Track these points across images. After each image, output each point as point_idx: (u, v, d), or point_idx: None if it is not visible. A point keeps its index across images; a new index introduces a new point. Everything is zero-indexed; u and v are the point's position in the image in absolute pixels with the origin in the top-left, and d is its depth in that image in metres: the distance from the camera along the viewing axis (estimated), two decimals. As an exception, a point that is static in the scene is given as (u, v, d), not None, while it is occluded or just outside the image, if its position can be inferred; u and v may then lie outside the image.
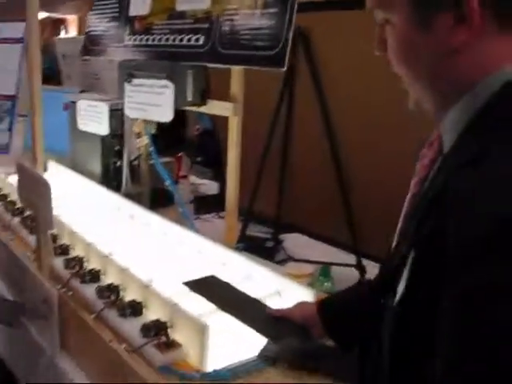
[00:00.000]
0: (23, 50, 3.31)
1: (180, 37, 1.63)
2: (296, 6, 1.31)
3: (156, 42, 1.73)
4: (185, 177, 2.30)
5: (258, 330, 1.12)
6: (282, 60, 1.32)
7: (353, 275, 1.92)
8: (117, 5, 1.94)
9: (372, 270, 1.90)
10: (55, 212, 1.74)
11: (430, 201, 0.71)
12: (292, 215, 2.21)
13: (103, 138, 2.16)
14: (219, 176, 2.65)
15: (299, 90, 1.86)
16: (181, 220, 2.05)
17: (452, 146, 0.73)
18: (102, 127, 2.05)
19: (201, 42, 1.56)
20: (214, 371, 1.05)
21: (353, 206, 1.89)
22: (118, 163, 2.14)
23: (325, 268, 1.54)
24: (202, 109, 1.74)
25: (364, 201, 1.90)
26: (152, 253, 1.53)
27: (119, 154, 2.16)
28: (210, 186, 2.85)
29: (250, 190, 2.19)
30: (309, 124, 1.89)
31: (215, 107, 1.70)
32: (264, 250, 1.98)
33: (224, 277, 1.36)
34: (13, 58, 3.33)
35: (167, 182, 1.79)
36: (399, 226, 0.91)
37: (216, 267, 1.43)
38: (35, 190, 1.34)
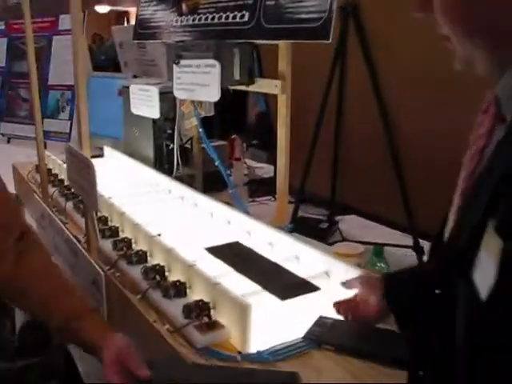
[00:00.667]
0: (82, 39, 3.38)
1: (225, 15, 1.60)
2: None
3: (202, 22, 1.70)
4: (239, 159, 2.27)
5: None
6: (327, 32, 1.27)
7: (410, 257, 1.85)
8: (164, -14, 1.93)
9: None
10: (108, 195, 1.78)
11: (504, 178, 0.62)
12: (348, 196, 2.15)
13: (155, 122, 2.17)
14: (275, 159, 2.62)
15: (351, 64, 1.79)
16: (234, 203, 2.05)
17: None
18: (153, 110, 2.05)
19: (246, 18, 1.53)
20: (257, 352, 1.02)
21: (409, 186, 1.81)
22: (171, 146, 2.13)
23: (378, 248, 1.48)
24: (250, 88, 1.70)
25: (420, 180, 1.81)
26: (199, 234, 1.51)
27: (171, 137, 2.16)
28: (266, 169, 2.82)
29: (315, 172, 2.14)
30: (361, 99, 1.82)
31: (263, 86, 1.66)
32: (318, 231, 1.93)
33: (271, 256, 1.33)
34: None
35: (217, 164, 1.77)
36: (456, 203, 0.80)
37: (263, 247, 1.40)
38: (81, 173, 1.35)
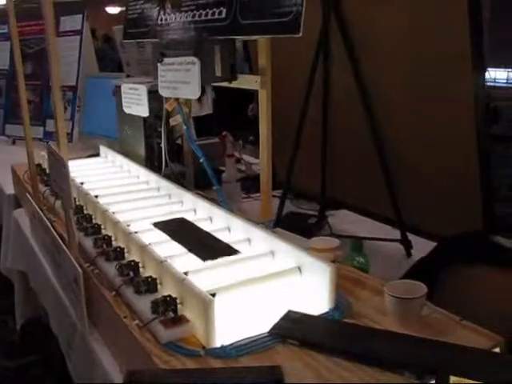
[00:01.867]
0: (81, 41, 3.42)
1: (204, 12, 1.61)
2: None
3: (184, 20, 1.71)
4: (231, 156, 2.27)
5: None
6: (297, 26, 1.27)
7: (398, 250, 1.85)
8: (149, -15, 1.94)
9: (418, 245, 1.81)
10: (96, 193, 1.80)
11: None
12: (338, 191, 2.15)
13: (146, 120, 2.19)
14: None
15: (334, 56, 1.79)
16: (227, 199, 2.05)
17: None
18: (142, 109, 2.06)
19: (223, 15, 1.53)
20: (221, 347, 1.02)
21: (396, 181, 1.81)
22: (161, 144, 2.14)
23: (356, 243, 1.47)
24: (233, 84, 1.70)
25: (407, 175, 1.81)
26: (179, 229, 1.52)
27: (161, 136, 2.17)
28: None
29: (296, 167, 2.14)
30: (346, 94, 1.81)
31: (244, 82, 1.66)
32: (305, 227, 1.93)
33: (245, 253, 1.33)
34: (73, 49, 3.45)
35: (201, 160, 1.77)
36: None
37: (240, 244, 1.40)
38: (59, 171, 1.36)
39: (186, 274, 1.16)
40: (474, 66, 1.40)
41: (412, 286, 1.12)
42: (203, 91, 4.09)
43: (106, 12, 15.23)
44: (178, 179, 2.04)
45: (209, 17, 1.59)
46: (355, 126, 1.83)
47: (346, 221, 2.13)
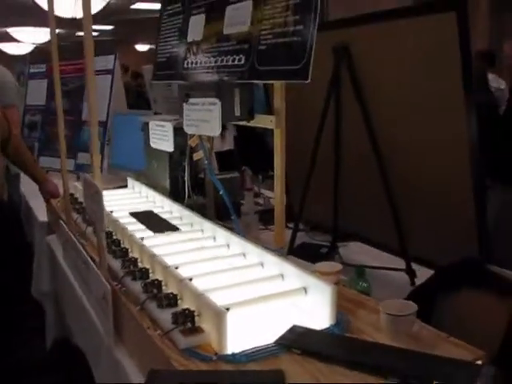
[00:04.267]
0: (112, 80, 3.66)
1: (226, 58, 1.79)
2: (317, 24, 1.41)
3: (207, 64, 1.89)
4: (250, 189, 2.43)
5: None
6: (306, 73, 1.43)
7: (403, 279, 1.96)
8: (177, 33, 2.14)
9: (422, 273, 1.93)
10: (123, 221, 1.97)
11: None
12: (351, 224, 2.28)
13: (171, 155, 2.36)
14: (288, 190, 2.77)
15: (344, 97, 1.94)
16: (245, 230, 2.20)
17: None
18: (168, 144, 2.24)
19: (242, 61, 1.70)
20: (232, 354, 1.16)
21: (402, 214, 1.94)
22: (185, 177, 2.32)
23: (360, 269, 1.61)
24: (250, 123, 1.87)
25: (412, 206, 1.94)
26: (198, 253, 1.67)
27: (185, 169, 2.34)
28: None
29: (310, 201, 2.29)
30: (355, 132, 1.96)
31: (260, 121, 1.83)
32: (316, 256, 2.06)
33: (258, 274, 1.48)
34: (104, 87, 3.68)
35: (221, 191, 1.93)
36: None
37: (254, 267, 1.54)
38: (93, 198, 1.53)
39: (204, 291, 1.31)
40: (467, 112, 1.55)
41: (404, 304, 1.25)
42: (224, 128, 4.35)
43: (135, 49, 15.78)
44: (199, 210, 2.20)
45: (229, 63, 1.77)
46: (365, 164, 1.97)
47: (356, 251, 2.26)
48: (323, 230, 2.48)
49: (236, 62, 1.74)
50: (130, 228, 1.86)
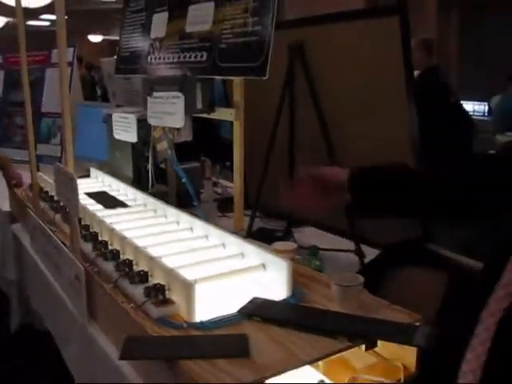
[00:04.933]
0: (72, 72, 3.71)
1: (188, 54, 1.92)
2: (274, 25, 1.55)
3: (170, 60, 2.01)
4: (209, 178, 2.57)
5: None
6: (264, 70, 1.58)
7: (352, 259, 2.14)
8: (140, 29, 2.25)
9: (370, 255, 2.11)
10: (92, 208, 2.08)
11: None
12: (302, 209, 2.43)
13: (134, 146, 2.47)
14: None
15: (299, 95, 2.09)
16: (205, 216, 2.33)
17: None
18: (131, 135, 2.35)
19: (204, 58, 1.84)
20: (200, 322, 1.30)
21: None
22: (147, 167, 2.43)
23: (312, 249, 1.77)
24: (211, 115, 2.00)
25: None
26: (164, 235, 1.80)
27: (148, 159, 2.46)
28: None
29: (267, 189, 2.44)
30: (308, 125, 2.12)
31: (221, 114, 1.97)
32: (272, 239, 2.21)
33: (220, 254, 1.62)
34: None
35: (183, 180, 2.06)
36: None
37: (216, 248, 1.68)
38: (66, 186, 1.64)
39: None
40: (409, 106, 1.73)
41: (352, 277, 1.42)
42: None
43: (89, 40, 15.60)
44: (162, 198, 2.31)
45: (192, 59, 1.90)
46: (317, 156, 2.13)
47: (310, 235, 2.42)
48: (278, 216, 2.64)
49: (198, 59, 1.87)
50: (90, 208, 2.02)
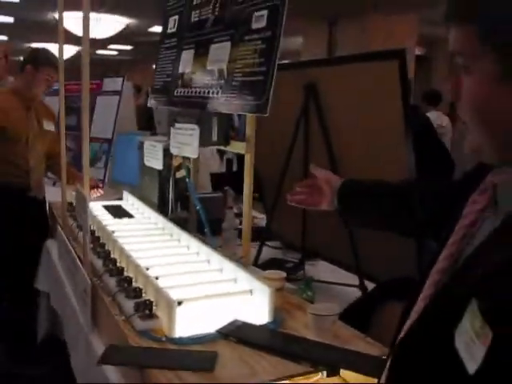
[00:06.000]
0: (119, 101, 3.95)
1: (207, 90, 2.05)
2: (276, 69, 1.67)
3: (192, 94, 2.16)
4: (230, 208, 2.68)
5: None
6: (265, 108, 1.69)
7: (357, 293, 2.19)
8: (171, 64, 2.42)
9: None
10: (113, 228, 2.23)
11: (496, 265, 0.68)
12: (318, 245, 2.51)
13: (160, 172, 2.63)
14: (266, 210, 3.02)
15: (312, 133, 2.19)
16: (225, 244, 2.44)
17: None
18: (158, 162, 2.50)
19: (219, 94, 1.97)
20: (179, 338, 1.40)
21: (357, 236, 2.17)
22: (169, 193, 2.58)
23: (307, 281, 1.85)
24: (227, 148, 2.13)
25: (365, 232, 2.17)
26: (172, 257, 1.92)
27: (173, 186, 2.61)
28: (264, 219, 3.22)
29: (286, 222, 2.54)
30: (320, 157, 2.20)
31: (234, 146, 2.09)
32: (282, 270, 2.29)
33: (216, 277, 1.72)
34: (111, 107, 3.98)
35: (198, 207, 2.18)
36: (442, 262, 0.84)
37: (214, 272, 1.79)
38: (81, 205, 1.79)
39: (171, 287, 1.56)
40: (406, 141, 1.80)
41: (328, 307, 1.49)
42: (224, 152, 4.63)
43: (153, 69, 16.19)
44: (180, 223, 2.44)
45: (210, 94, 2.04)
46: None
47: (321, 269, 2.49)
48: (296, 249, 2.72)
49: (214, 95, 2.00)
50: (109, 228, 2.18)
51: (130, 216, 2.50)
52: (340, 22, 8.60)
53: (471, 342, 0.66)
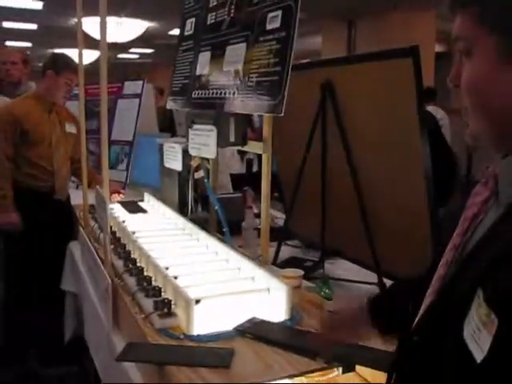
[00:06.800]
0: (140, 103, 3.99)
1: (223, 91, 2.08)
2: (290, 69, 1.69)
3: (209, 95, 2.19)
4: (250, 207, 2.70)
5: None
6: (280, 107, 1.71)
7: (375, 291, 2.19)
8: (189, 66, 2.45)
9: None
10: (134, 229, 2.26)
11: (499, 254, 0.69)
12: (337, 243, 2.52)
13: (180, 173, 2.66)
14: (286, 209, 3.03)
15: (329, 132, 2.20)
16: (245, 244, 2.47)
17: None
18: (177, 164, 2.54)
19: (236, 94, 1.99)
20: (197, 335, 1.43)
21: (376, 234, 2.17)
22: (188, 194, 2.61)
23: (324, 279, 1.86)
24: (244, 148, 2.15)
25: (384, 229, 2.17)
26: (191, 256, 1.94)
27: (193, 186, 2.63)
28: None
29: (306, 221, 2.55)
30: (336, 159, 2.21)
31: (251, 146, 2.11)
32: (302, 269, 2.30)
33: (234, 276, 1.74)
34: (132, 110, 4.02)
35: (216, 207, 2.21)
36: (447, 255, 0.84)
37: (232, 270, 1.81)
38: (101, 206, 1.83)
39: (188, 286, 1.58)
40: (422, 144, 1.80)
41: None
42: (245, 153, 4.65)
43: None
44: (200, 224, 2.47)
45: (226, 95, 2.06)
46: (346, 191, 2.21)
47: (340, 267, 2.49)
48: (316, 248, 2.73)
49: (230, 96, 2.02)
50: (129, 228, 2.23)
51: (144, 211, 2.64)
52: (359, 22, 8.58)
53: (478, 332, 0.66)
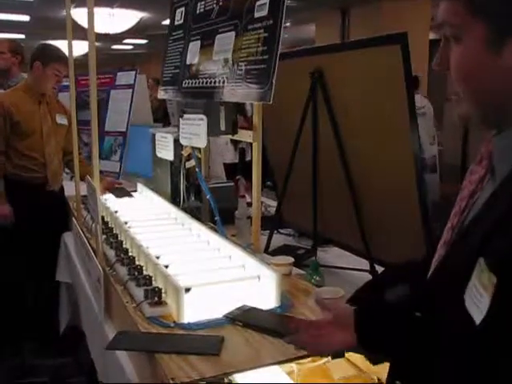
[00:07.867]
0: (133, 94, 3.98)
1: (213, 80, 2.07)
2: (278, 57, 1.68)
3: (198, 85, 2.18)
4: (243, 196, 2.70)
5: None
6: (268, 95, 1.71)
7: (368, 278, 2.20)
8: (179, 56, 2.44)
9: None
10: (126, 219, 2.27)
11: (495, 224, 0.70)
12: (330, 231, 2.52)
13: (172, 163, 2.66)
14: (278, 197, 3.03)
15: (320, 119, 2.20)
16: (238, 233, 2.47)
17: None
18: (169, 154, 2.54)
19: (225, 83, 1.99)
20: (187, 323, 1.44)
21: (367, 221, 2.17)
22: (180, 183, 2.61)
23: (314, 264, 1.86)
24: (234, 137, 2.15)
25: (377, 213, 2.18)
26: (183, 245, 1.95)
27: (185, 176, 2.63)
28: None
29: (299, 210, 2.56)
30: (326, 147, 2.22)
31: (241, 135, 2.11)
32: (294, 257, 2.31)
33: (225, 264, 1.75)
34: (125, 100, 4.01)
35: (208, 196, 2.21)
36: (446, 235, 0.86)
37: (223, 258, 1.82)
38: (92, 196, 1.83)
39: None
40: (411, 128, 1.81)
41: (333, 291, 1.51)
42: (238, 142, 4.64)
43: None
44: (193, 213, 2.47)
45: (216, 84, 2.06)
46: (337, 179, 2.22)
47: (333, 255, 2.50)
48: (309, 235, 2.74)
49: (220, 84, 2.02)
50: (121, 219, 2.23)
51: (130, 195, 2.80)
52: (353, 10, 8.55)
53: (479, 296, 0.68)
